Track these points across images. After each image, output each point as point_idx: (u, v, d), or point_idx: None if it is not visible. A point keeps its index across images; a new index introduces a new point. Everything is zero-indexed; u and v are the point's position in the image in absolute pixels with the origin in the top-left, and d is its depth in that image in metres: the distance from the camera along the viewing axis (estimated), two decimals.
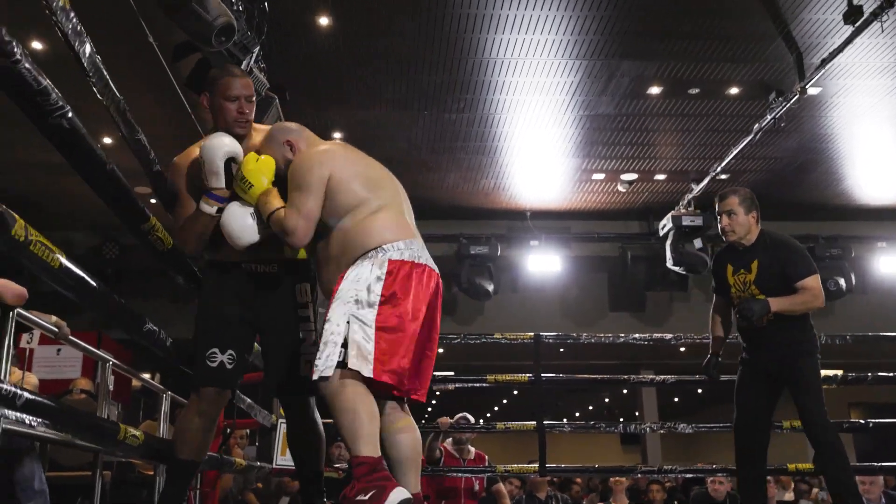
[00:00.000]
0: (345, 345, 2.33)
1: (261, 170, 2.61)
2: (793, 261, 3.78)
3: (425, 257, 2.53)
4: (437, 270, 2.57)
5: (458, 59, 7.01)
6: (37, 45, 6.20)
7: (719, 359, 4.23)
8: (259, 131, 2.84)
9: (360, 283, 2.39)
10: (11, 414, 2.01)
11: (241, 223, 2.61)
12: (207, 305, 2.81)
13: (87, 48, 2.31)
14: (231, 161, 2.65)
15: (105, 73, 2.44)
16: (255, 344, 2.97)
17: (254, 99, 2.78)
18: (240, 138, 2.73)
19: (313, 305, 2.86)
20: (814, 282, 3.74)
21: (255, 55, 4.01)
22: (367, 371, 2.30)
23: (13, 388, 1.97)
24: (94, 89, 2.40)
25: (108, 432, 2.74)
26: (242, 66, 3.83)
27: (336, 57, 6.95)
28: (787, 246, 3.85)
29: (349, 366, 2.30)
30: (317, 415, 2.94)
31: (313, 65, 7.06)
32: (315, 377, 2.33)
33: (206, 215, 2.67)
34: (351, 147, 2.73)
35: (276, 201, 2.57)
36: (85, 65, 2.31)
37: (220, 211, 2.65)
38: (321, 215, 2.51)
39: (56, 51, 6.16)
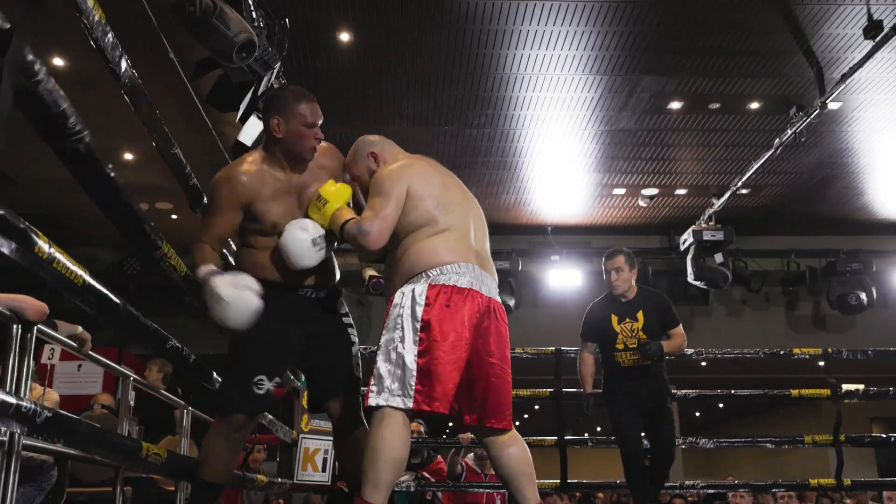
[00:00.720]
0: (387, 377, 2.36)
1: (339, 192, 2.62)
2: (669, 311, 4.55)
3: (477, 282, 2.48)
4: (489, 294, 2.52)
5: (478, 75, 6.99)
6: (58, 61, 6.24)
7: (597, 397, 4.75)
8: (320, 150, 2.78)
9: (404, 310, 2.41)
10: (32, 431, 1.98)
11: (302, 245, 2.58)
12: (255, 331, 2.63)
13: (124, 63, 2.29)
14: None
15: (143, 87, 2.43)
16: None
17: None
18: (306, 162, 2.74)
19: (350, 314, 2.90)
20: (681, 328, 4.57)
21: (275, 71, 4.00)
22: (408, 404, 2.32)
23: (33, 406, 1.94)
24: (131, 104, 2.39)
25: (130, 450, 2.71)
26: (264, 82, 3.82)
27: (356, 73, 6.95)
28: (663, 298, 4.65)
29: (388, 403, 2.33)
30: (366, 423, 2.84)
31: (334, 80, 7.06)
32: (366, 404, 2.37)
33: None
34: (433, 163, 2.73)
35: (350, 214, 2.56)
36: (122, 79, 2.29)
37: None
38: (395, 229, 2.50)
39: (77, 67, 6.20)
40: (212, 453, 2.75)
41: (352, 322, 2.88)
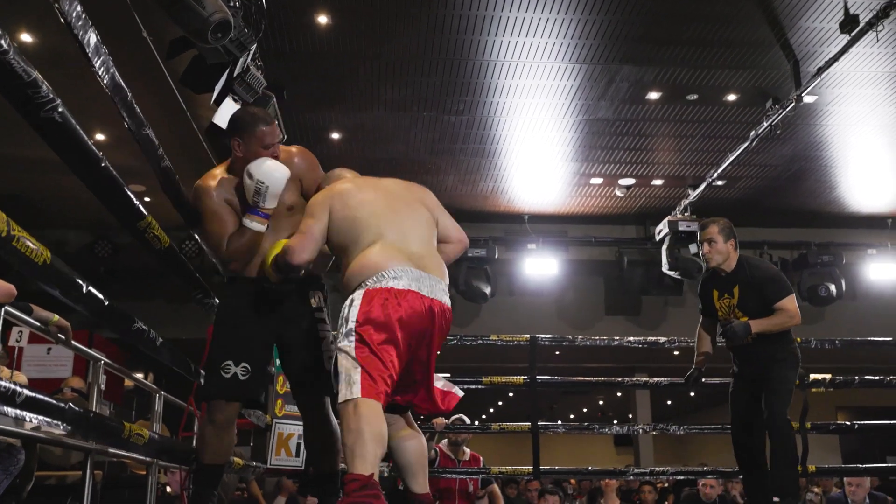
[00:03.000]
0: (342, 374, 2.53)
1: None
2: (770, 285, 4.12)
3: (416, 283, 2.61)
4: (431, 295, 2.64)
5: (457, 61, 6.95)
6: (26, 37, 6.09)
7: (701, 372, 4.56)
8: (291, 153, 3.04)
9: (343, 318, 2.59)
10: (11, 411, 1.94)
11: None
12: (226, 319, 2.97)
13: (92, 37, 2.24)
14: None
15: (112, 64, 2.37)
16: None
17: (279, 140, 2.99)
18: None
19: (327, 309, 3.03)
20: (789, 303, 4.12)
21: (252, 52, 3.94)
22: (357, 395, 2.46)
23: (12, 385, 1.91)
24: (101, 80, 2.34)
25: (112, 431, 2.68)
26: (239, 63, 3.77)
27: (334, 56, 6.88)
28: (764, 271, 4.21)
29: (342, 395, 2.48)
30: (332, 415, 3.03)
31: (311, 64, 6.99)
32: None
33: (255, 232, 2.85)
34: (359, 181, 2.89)
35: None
36: (90, 54, 2.23)
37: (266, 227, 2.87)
38: (335, 248, 2.77)
39: (47, 44, 6.07)
40: (202, 438, 2.96)
41: (324, 317, 3.00)
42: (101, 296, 2.47)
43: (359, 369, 2.48)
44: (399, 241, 2.70)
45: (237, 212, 2.92)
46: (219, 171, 3.02)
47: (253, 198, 2.83)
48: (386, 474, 5.27)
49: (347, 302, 2.61)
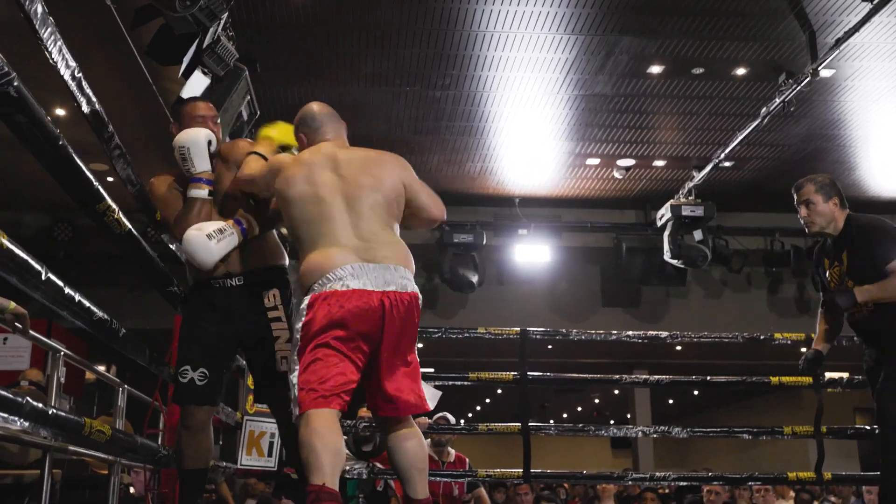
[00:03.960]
0: (292, 388, 2.68)
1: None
2: (880, 243, 3.66)
3: (361, 279, 2.70)
4: (381, 288, 2.72)
5: (443, 32, 6.97)
6: None
7: (822, 355, 4.08)
8: (225, 149, 3.29)
9: (295, 325, 2.74)
10: None
11: (204, 246, 2.98)
12: (185, 323, 3.24)
13: (39, 7, 2.28)
14: (209, 144, 3.11)
15: (59, 36, 2.42)
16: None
17: (219, 120, 3.31)
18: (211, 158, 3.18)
19: (284, 308, 3.17)
20: None
21: (223, 22, 3.98)
22: (296, 411, 2.62)
23: None
24: (48, 54, 2.38)
25: (72, 426, 2.73)
26: (209, 34, 3.82)
27: (311, 26, 6.90)
28: (873, 229, 3.74)
29: (294, 410, 2.64)
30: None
31: (287, 34, 7.00)
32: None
33: (198, 199, 3.08)
34: (313, 160, 2.93)
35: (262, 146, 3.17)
36: (36, 26, 2.28)
37: (211, 193, 3.09)
38: (294, 240, 2.89)
39: (4, 12, 6.08)
40: (178, 443, 3.19)
41: (280, 316, 3.16)
42: (60, 283, 2.51)
43: (296, 381, 2.64)
44: (345, 235, 2.78)
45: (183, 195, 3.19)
46: (165, 173, 3.35)
47: (184, 167, 3.10)
48: (365, 476, 5.34)
49: (298, 310, 2.78)
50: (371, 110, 8.29)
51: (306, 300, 2.72)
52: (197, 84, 3.99)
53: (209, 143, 3.10)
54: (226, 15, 3.98)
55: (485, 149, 9.21)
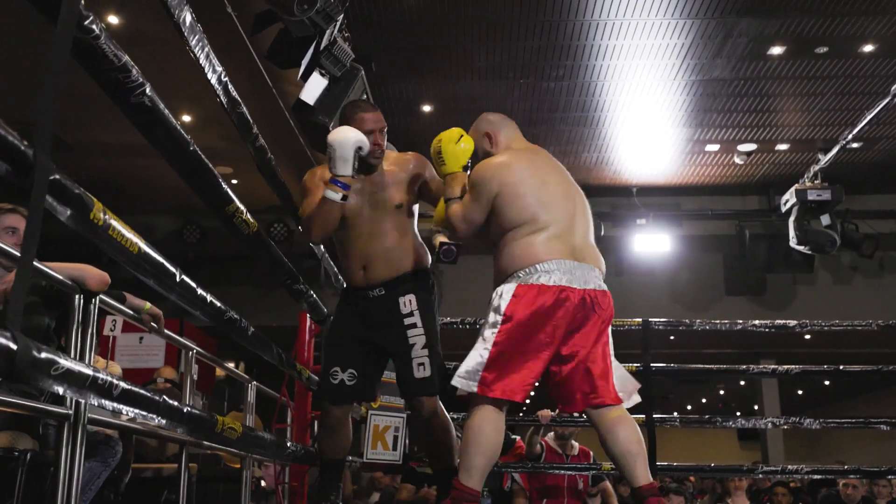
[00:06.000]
0: (466, 363, 2.76)
1: (458, 153, 3.00)
2: None
3: (568, 277, 2.74)
4: (583, 286, 2.76)
5: (555, 23, 6.92)
6: (113, 19, 6.38)
7: None
8: (388, 158, 3.27)
9: (493, 306, 2.78)
10: (109, 404, 2.07)
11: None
12: (334, 327, 3.40)
13: (188, 17, 2.35)
14: (358, 150, 3.02)
15: (206, 42, 2.49)
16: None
17: (385, 131, 3.20)
18: (374, 167, 3.20)
19: (420, 311, 3.21)
20: None
21: (339, 23, 4.02)
22: (473, 388, 2.71)
23: (109, 378, 2.03)
24: (196, 60, 2.46)
25: (205, 424, 2.82)
26: (326, 36, 3.86)
27: (424, 24, 6.95)
28: None
29: (459, 385, 2.74)
30: (440, 412, 3.25)
31: (400, 33, 7.07)
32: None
33: (330, 202, 3.04)
34: (537, 157, 3.01)
35: (458, 188, 2.98)
36: (185, 33, 2.35)
37: (345, 198, 3.05)
38: (494, 227, 2.89)
39: (131, 26, 6.33)
40: (319, 436, 3.44)
41: (416, 321, 3.21)
42: (193, 284, 2.59)
43: (483, 363, 2.70)
44: (566, 231, 2.83)
45: None
46: None
47: (329, 165, 3.06)
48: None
49: (497, 292, 2.79)
50: (484, 104, 8.25)
51: (511, 286, 2.78)
52: (315, 86, 4.05)
53: (359, 148, 3.03)
54: (341, 16, 4.03)
55: (600, 139, 9.13)
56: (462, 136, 3.04)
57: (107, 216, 1.92)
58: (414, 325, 3.20)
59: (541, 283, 2.72)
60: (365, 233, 3.19)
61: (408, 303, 3.21)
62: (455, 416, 3.45)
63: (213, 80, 2.62)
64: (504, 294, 2.76)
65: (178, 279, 2.43)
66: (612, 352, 2.88)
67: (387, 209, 3.19)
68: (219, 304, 2.88)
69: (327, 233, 3.16)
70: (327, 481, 3.39)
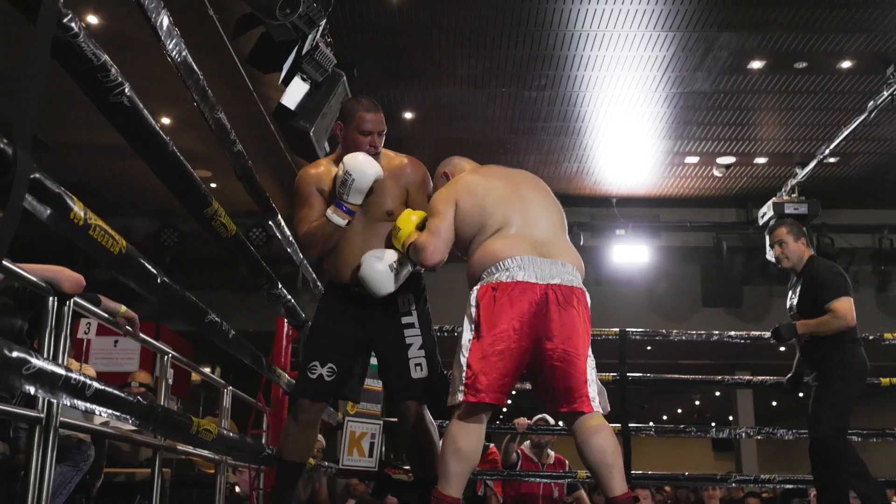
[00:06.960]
0: (453, 376, 2.75)
1: (410, 221, 2.99)
2: (823, 285, 4.22)
3: (530, 272, 2.72)
4: (546, 281, 2.73)
5: (538, 32, 6.93)
6: (92, 19, 6.31)
7: (802, 378, 4.74)
8: (384, 155, 3.17)
9: (466, 314, 2.77)
10: (81, 405, 2.05)
11: (379, 275, 2.96)
12: (317, 322, 3.23)
13: (165, 19, 2.32)
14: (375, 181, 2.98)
15: (185, 47, 2.47)
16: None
17: (384, 132, 3.12)
18: None
19: (417, 313, 3.17)
20: (840, 304, 4.15)
21: (321, 28, 4.01)
22: (459, 398, 2.67)
23: (82, 378, 2.00)
24: (173, 63, 2.43)
25: (181, 426, 2.79)
26: (308, 41, 3.85)
27: (407, 30, 6.94)
28: (821, 270, 4.32)
29: (451, 399, 2.71)
30: (429, 419, 3.19)
31: (383, 39, 7.06)
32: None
33: (334, 225, 2.98)
34: (481, 169, 3.07)
35: (415, 236, 2.95)
36: (162, 37, 2.32)
37: (349, 224, 3.00)
38: (460, 244, 2.92)
39: (112, 26, 6.28)
40: (285, 434, 3.21)
41: (413, 321, 3.15)
42: (175, 286, 2.57)
43: (464, 369, 2.69)
44: (522, 227, 2.83)
45: (327, 202, 3.07)
46: (325, 161, 3.26)
47: (339, 188, 2.95)
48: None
49: (469, 300, 2.80)
50: (466, 111, 8.29)
51: (475, 291, 2.79)
52: (297, 90, 4.04)
53: (375, 179, 2.97)
54: (324, 21, 4.02)
55: (581, 149, 9.14)
56: (413, 214, 3.04)
57: (87, 216, 1.89)
58: (411, 325, 3.15)
59: (499, 281, 2.71)
60: (359, 238, 3.09)
61: (406, 301, 3.16)
62: (442, 424, 3.36)
63: (191, 85, 2.59)
64: (470, 299, 2.77)
65: (159, 280, 2.41)
66: (592, 363, 2.81)
67: (379, 216, 3.11)
68: (201, 306, 2.86)
69: (327, 250, 3.12)
70: (284, 486, 3.21)
